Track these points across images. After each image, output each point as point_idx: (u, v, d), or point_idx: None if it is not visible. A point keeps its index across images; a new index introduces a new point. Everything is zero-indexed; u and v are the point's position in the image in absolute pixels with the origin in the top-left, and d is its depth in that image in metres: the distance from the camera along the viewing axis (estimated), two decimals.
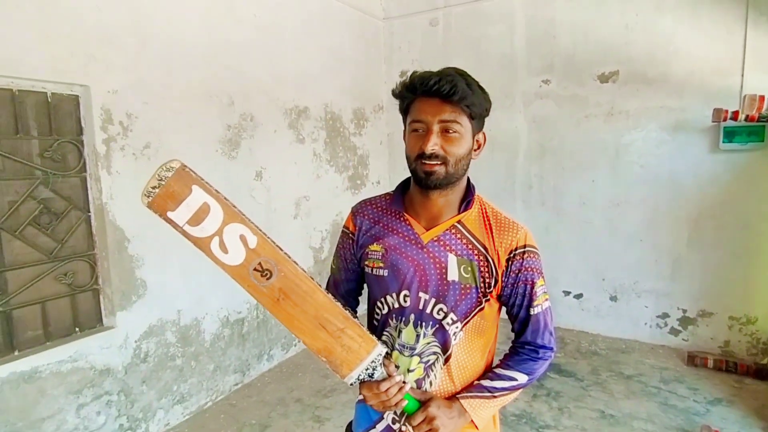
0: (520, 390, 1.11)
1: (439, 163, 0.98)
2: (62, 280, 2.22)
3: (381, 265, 1.08)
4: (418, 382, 1.08)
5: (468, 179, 1.09)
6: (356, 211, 1.17)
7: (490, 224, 1.07)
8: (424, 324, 1.05)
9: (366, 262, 1.11)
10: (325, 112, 3.81)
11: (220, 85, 2.89)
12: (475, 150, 1.05)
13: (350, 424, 1.27)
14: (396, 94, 1.05)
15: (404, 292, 1.06)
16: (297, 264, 1.00)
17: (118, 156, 2.35)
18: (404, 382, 1.02)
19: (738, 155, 3.27)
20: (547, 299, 1.09)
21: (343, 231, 1.20)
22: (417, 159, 0.99)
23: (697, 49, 3.33)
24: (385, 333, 1.10)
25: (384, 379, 1.00)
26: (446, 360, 1.07)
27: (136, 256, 2.45)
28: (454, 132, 0.98)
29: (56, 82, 2.14)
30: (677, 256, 3.57)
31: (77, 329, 2.29)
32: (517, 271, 1.05)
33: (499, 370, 1.10)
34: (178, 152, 2.64)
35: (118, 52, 2.32)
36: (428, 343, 1.06)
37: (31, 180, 2.10)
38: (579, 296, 3.96)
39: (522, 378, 1.08)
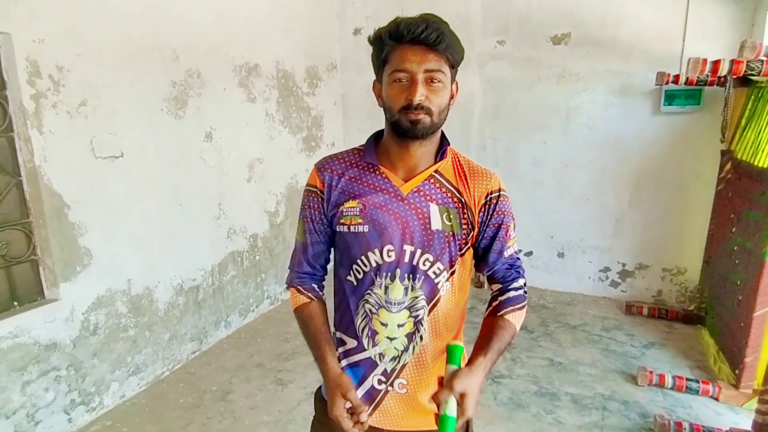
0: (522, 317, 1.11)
1: (424, 112, 0.95)
2: None
3: (360, 221, 1.04)
4: (409, 336, 1.07)
5: (441, 130, 1.07)
6: (322, 167, 1.10)
7: (464, 172, 1.08)
8: (411, 276, 1.04)
9: (342, 221, 1.06)
10: (276, 70, 3.63)
11: (163, 37, 2.66)
12: (452, 99, 1.03)
13: (319, 389, 1.24)
14: (374, 41, 0.99)
15: (387, 246, 1.03)
16: None
17: (50, 114, 2.13)
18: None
19: (677, 117, 3.46)
20: (516, 242, 1.14)
21: (307, 190, 1.12)
22: (402, 110, 0.96)
23: (644, 14, 3.43)
24: (368, 292, 1.07)
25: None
26: (431, 311, 1.07)
27: (78, 223, 2.27)
28: (438, 82, 0.95)
29: None
30: (619, 214, 3.79)
31: (16, 303, 2.12)
32: (492, 215, 1.07)
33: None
34: (119, 110, 2.43)
35: None
36: (416, 297, 1.05)
37: None
38: (529, 254, 4.14)
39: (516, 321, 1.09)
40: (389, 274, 1.05)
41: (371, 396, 1.11)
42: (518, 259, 1.15)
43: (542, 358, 3.01)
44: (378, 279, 1.05)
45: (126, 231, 2.52)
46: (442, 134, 1.08)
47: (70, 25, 2.17)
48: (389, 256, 1.04)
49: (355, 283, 1.09)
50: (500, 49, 3.93)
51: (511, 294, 1.10)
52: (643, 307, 3.60)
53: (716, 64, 2.23)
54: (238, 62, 3.23)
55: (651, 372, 2.67)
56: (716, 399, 2.53)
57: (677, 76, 3.11)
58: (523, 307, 1.10)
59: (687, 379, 2.60)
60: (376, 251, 1.04)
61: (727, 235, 2.95)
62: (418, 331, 1.07)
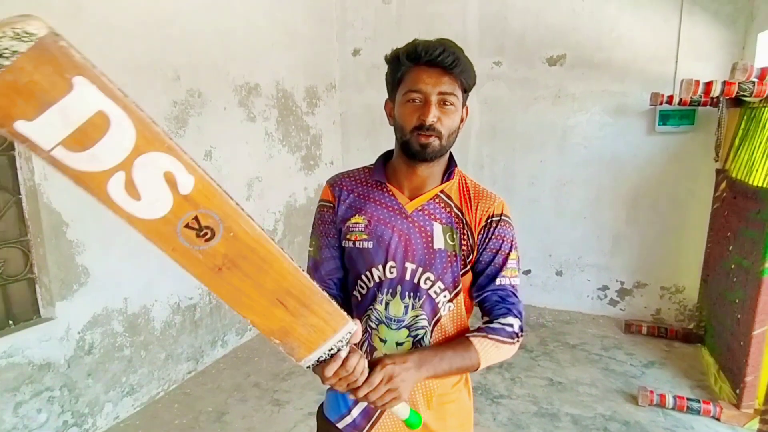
0: (500, 355, 1.02)
1: (434, 135, 0.97)
2: None
3: (365, 237, 1.05)
4: None
5: (450, 152, 1.08)
6: (333, 183, 1.12)
7: (469, 193, 1.09)
8: (411, 295, 1.04)
9: (348, 236, 1.06)
10: (276, 89, 3.67)
11: (166, 57, 2.70)
12: (462, 122, 1.05)
13: (321, 406, 1.23)
14: (390, 60, 1.02)
15: (390, 263, 1.04)
16: (253, 220, 0.70)
17: None
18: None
19: (671, 137, 3.51)
20: (516, 276, 1.07)
21: (320, 205, 1.13)
22: (414, 130, 0.97)
23: (638, 36, 3.51)
24: (371, 308, 1.07)
25: (349, 355, 0.84)
26: (433, 331, 1.06)
27: (76, 241, 2.27)
28: (451, 105, 0.97)
29: None
30: (617, 232, 3.81)
31: (11, 322, 2.10)
32: (490, 238, 1.05)
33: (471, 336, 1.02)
34: None
35: (48, 16, 2.09)
36: (416, 316, 1.05)
37: None
38: (527, 272, 4.14)
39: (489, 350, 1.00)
40: (391, 291, 1.05)
41: (368, 414, 1.09)
42: (513, 294, 1.05)
43: (542, 377, 2.98)
44: (380, 295, 1.05)
45: (124, 249, 2.51)
46: (450, 155, 1.09)
47: (73, 44, 2.20)
48: (391, 273, 1.04)
49: (359, 298, 1.09)
50: (497, 69, 4.00)
51: (495, 325, 1.01)
52: (642, 326, 3.59)
53: (708, 85, 2.28)
54: (239, 82, 3.27)
55: (652, 392, 2.64)
56: (718, 419, 2.51)
57: (671, 97, 3.16)
58: (500, 342, 1.00)
59: (688, 399, 2.57)
60: (380, 267, 1.04)
61: (724, 254, 2.96)
62: None
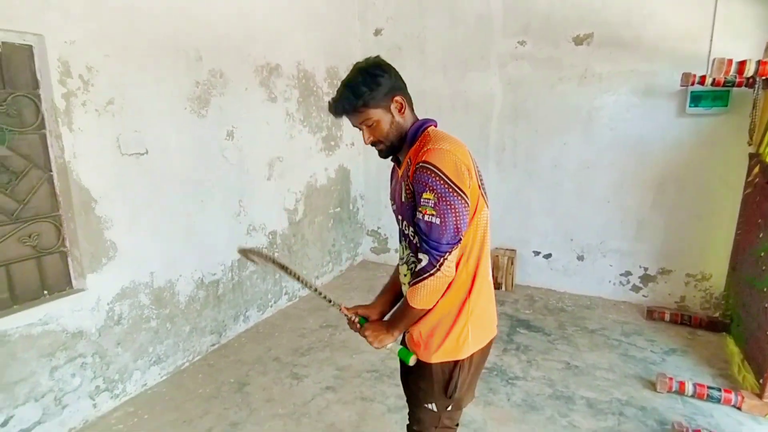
0: (422, 289, 1.27)
1: (379, 144, 1.35)
2: (26, 242, 2.13)
3: (391, 201, 1.46)
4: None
5: (413, 129, 1.34)
6: None
7: (418, 151, 1.28)
8: (402, 239, 1.40)
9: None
10: (297, 70, 3.69)
11: (187, 38, 2.74)
12: (399, 112, 1.32)
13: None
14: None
15: (398, 217, 1.41)
16: None
17: (80, 112, 2.23)
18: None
19: (703, 120, 3.38)
20: (428, 213, 1.21)
21: None
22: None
23: (669, 13, 3.36)
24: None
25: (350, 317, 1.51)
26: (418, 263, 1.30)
27: (104, 217, 2.37)
28: (371, 123, 1.31)
29: (6, 30, 1.98)
30: (641, 217, 3.72)
31: (46, 292, 2.22)
32: (415, 183, 1.24)
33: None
34: (144, 109, 2.52)
35: None
36: (407, 253, 1.37)
37: None
38: (548, 256, 4.10)
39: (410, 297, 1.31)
40: (400, 238, 1.44)
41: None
42: (423, 231, 1.22)
43: (559, 361, 2.98)
44: (399, 244, 1.46)
45: (149, 225, 2.61)
46: (416, 129, 1.34)
47: (98, 27, 2.27)
48: (398, 224, 1.42)
49: None
50: (521, 49, 3.91)
51: (417, 268, 1.27)
52: (665, 313, 3.52)
53: (742, 64, 2.17)
54: (260, 62, 3.30)
55: (671, 378, 2.61)
56: (739, 408, 2.46)
57: (703, 77, 3.03)
58: (420, 282, 1.25)
59: (708, 387, 2.53)
60: (398, 222, 1.43)
61: (755, 241, 2.86)
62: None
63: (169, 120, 2.67)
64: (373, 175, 4.76)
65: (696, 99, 3.32)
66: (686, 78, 3.09)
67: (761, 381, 2.47)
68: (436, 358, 1.34)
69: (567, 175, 3.92)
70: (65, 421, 2.27)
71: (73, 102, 2.19)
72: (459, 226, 1.21)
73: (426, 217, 1.21)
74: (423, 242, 1.23)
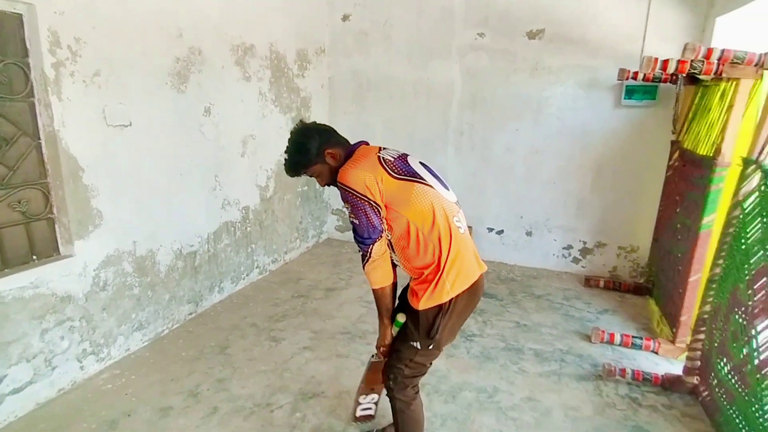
0: (370, 274, 1.66)
1: (327, 185, 1.75)
2: (16, 207, 2.19)
3: None
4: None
5: (342, 162, 1.69)
6: None
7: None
8: None
9: None
10: (270, 51, 3.81)
11: (169, 15, 2.81)
12: (334, 159, 1.68)
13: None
14: None
15: None
16: None
17: (68, 82, 2.29)
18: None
19: (635, 111, 3.85)
20: (352, 218, 1.61)
21: None
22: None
23: (612, 15, 3.78)
24: None
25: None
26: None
27: (91, 185, 2.45)
28: (316, 175, 1.73)
29: None
30: (582, 197, 4.18)
31: (35, 257, 2.29)
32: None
33: None
34: (129, 82, 2.59)
35: None
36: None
37: None
38: (500, 232, 4.50)
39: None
40: None
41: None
42: (354, 232, 1.63)
43: (510, 321, 3.36)
44: None
45: (132, 196, 2.70)
46: (343, 163, 1.69)
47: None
48: None
49: None
50: (480, 41, 4.22)
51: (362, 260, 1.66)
52: (599, 281, 4.01)
53: (665, 62, 2.57)
54: (236, 42, 3.40)
55: (603, 331, 3.05)
56: (656, 353, 2.94)
57: (636, 73, 3.47)
58: (364, 268, 1.65)
59: (633, 337, 3.00)
60: None
61: (673, 216, 3.36)
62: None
63: (151, 94, 2.75)
64: None
65: (630, 92, 3.78)
66: (622, 73, 3.52)
67: (674, 330, 2.96)
68: (422, 305, 1.62)
69: (518, 159, 4.31)
70: (55, 382, 2.36)
71: (62, 72, 2.25)
72: (373, 223, 1.58)
73: (350, 219, 1.61)
74: (354, 239, 1.64)
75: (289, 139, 1.70)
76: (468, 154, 4.46)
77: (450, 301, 1.62)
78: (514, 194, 4.39)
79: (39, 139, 2.26)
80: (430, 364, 1.81)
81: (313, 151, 1.66)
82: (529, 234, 4.42)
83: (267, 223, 4.00)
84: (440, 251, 1.60)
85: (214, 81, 3.22)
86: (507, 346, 3.01)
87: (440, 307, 1.62)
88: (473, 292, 1.70)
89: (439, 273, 1.60)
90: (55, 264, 2.32)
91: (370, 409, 2.06)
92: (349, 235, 5.12)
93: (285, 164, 1.73)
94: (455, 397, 2.48)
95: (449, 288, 1.61)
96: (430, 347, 1.69)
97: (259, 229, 3.91)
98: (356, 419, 2.10)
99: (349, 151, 1.71)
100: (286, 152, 1.71)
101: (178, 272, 3.09)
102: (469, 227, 4.52)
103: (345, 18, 4.58)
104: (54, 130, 2.25)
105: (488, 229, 4.54)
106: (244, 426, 2.22)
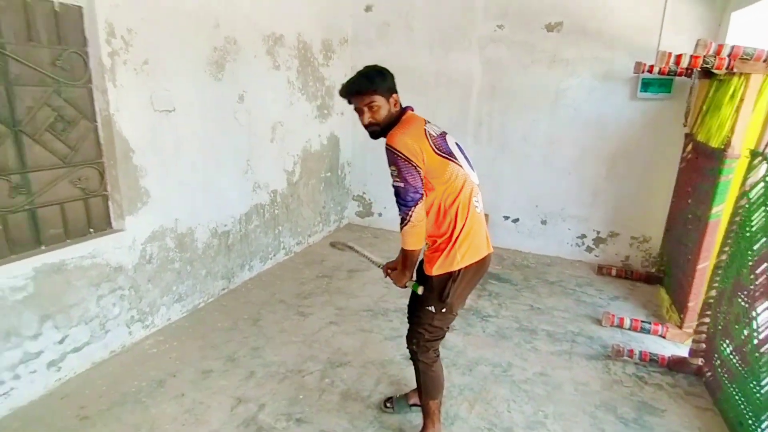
0: (405, 236, 1.76)
1: (374, 126, 1.77)
2: (77, 184, 2.41)
3: None
4: None
5: (395, 119, 1.79)
6: None
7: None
8: None
9: None
10: (297, 41, 3.97)
11: (208, 6, 2.99)
12: (394, 106, 1.78)
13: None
14: (342, 95, 1.82)
15: None
16: None
17: (122, 70, 2.48)
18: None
19: (650, 103, 3.95)
20: (396, 182, 1.69)
21: None
22: (365, 127, 1.79)
23: (629, 8, 3.87)
24: None
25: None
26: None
27: (140, 166, 2.66)
28: (374, 107, 1.74)
29: None
30: (596, 187, 4.30)
31: (91, 230, 2.51)
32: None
33: None
34: (172, 70, 2.79)
35: None
36: None
37: (44, 87, 2.22)
38: (516, 221, 4.65)
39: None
40: None
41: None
42: (397, 194, 1.71)
43: (524, 304, 3.53)
44: None
45: (175, 177, 2.91)
46: (399, 115, 1.81)
47: None
48: None
49: None
50: (499, 32, 4.33)
51: (400, 221, 1.75)
52: (612, 269, 4.15)
53: (679, 57, 2.68)
54: (266, 32, 3.57)
55: (613, 315, 3.21)
56: (664, 337, 3.09)
57: (651, 66, 3.57)
58: (401, 229, 1.74)
59: (642, 321, 3.15)
60: None
61: (684, 207, 3.48)
62: None
63: (191, 81, 2.94)
64: (359, 144, 5.13)
65: (646, 85, 3.88)
66: (638, 66, 3.62)
67: (682, 316, 3.10)
68: (435, 271, 1.80)
69: (535, 148, 4.44)
70: (108, 344, 2.60)
71: (116, 60, 2.45)
72: (416, 186, 1.68)
73: (394, 183, 1.70)
74: (396, 202, 1.72)
75: (366, 67, 1.78)
76: (486, 143, 4.60)
77: (459, 270, 1.80)
78: (531, 183, 4.52)
79: (96, 122, 2.47)
80: (447, 328, 2.00)
81: (389, 83, 1.75)
82: (543, 223, 4.56)
83: (293, 207, 4.20)
84: (455, 225, 1.78)
85: (247, 69, 3.41)
86: (521, 326, 3.18)
87: (450, 274, 1.80)
88: (480, 266, 1.87)
89: (451, 243, 1.78)
90: (109, 237, 2.54)
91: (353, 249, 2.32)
92: (369, 220, 5.32)
93: (353, 80, 1.74)
94: (472, 370, 2.66)
95: (459, 259, 1.79)
96: (443, 310, 1.87)
97: (286, 212, 4.12)
98: (332, 244, 2.60)
99: (401, 110, 1.83)
100: (359, 73, 1.75)
101: (213, 249, 3.31)
102: (486, 215, 4.68)
103: (368, 9, 4.71)
104: (109, 114, 2.46)
105: (504, 217, 4.69)
106: (279, 388, 2.43)
